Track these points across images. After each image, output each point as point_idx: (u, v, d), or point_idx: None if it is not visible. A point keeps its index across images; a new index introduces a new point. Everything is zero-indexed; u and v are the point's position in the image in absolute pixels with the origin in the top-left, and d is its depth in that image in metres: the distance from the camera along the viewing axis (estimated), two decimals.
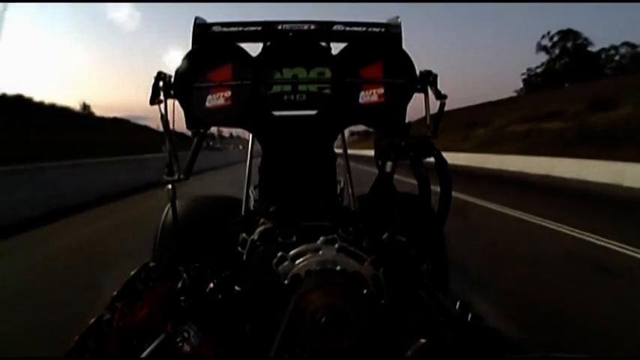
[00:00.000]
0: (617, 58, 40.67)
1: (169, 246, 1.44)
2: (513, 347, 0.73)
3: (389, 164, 0.87)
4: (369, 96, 1.10)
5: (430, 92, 1.15)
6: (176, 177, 1.03)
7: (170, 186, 1.03)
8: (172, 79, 1.06)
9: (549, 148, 16.92)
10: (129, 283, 0.84)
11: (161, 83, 1.05)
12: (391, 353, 0.75)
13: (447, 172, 0.83)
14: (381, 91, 1.10)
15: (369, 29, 1.20)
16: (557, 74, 39.25)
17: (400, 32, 1.19)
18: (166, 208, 1.56)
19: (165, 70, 1.07)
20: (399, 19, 1.21)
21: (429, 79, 1.14)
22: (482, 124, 27.61)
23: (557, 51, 42.02)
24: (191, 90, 1.06)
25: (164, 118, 1.04)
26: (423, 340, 0.73)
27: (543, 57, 43.03)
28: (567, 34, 40.65)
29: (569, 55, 40.93)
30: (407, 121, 1.16)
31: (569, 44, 41.02)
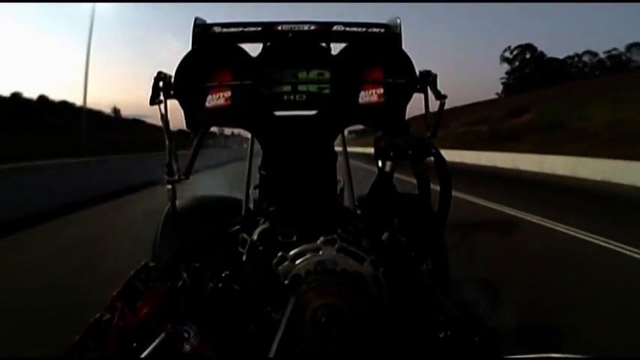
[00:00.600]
0: (580, 65, 48.07)
1: (169, 246, 1.44)
2: (513, 347, 0.73)
3: (388, 164, 0.87)
4: (369, 96, 1.10)
5: (430, 92, 1.15)
6: (176, 177, 1.03)
7: (170, 186, 1.03)
8: (172, 79, 1.06)
9: (469, 144, 22.01)
10: (129, 282, 0.84)
11: (161, 83, 1.05)
12: (391, 353, 0.75)
13: (447, 172, 0.83)
14: (381, 91, 1.10)
15: (369, 30, 1.20)
16: (530, 79, 44.86)
17: (400, 33, 1.19)
18: (166, 208, 1.56)
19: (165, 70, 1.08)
20: (398, 20, 1.22)
21: (428, 79, 1.14)
22: (442, 127, 32.84)
23: (517, 63, 48.97)
24: (191, 90, 1.06)
25: (164, 118, 1.04)
26: (423, 340, 0.73)
27: (507, 67, 50.55)
28: (525, 48, 47.45)
29: (528, 66, 47.65)
30: (406, 120, 1.16)
31: (527, 56, 47.88)
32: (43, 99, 28.73)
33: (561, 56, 48.29)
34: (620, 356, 1.81)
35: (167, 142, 1.04)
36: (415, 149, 0.82)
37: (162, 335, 0.71)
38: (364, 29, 1.19)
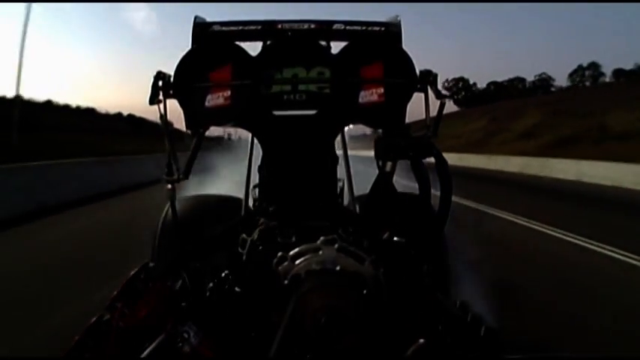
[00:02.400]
0: (511, 87, 60.71)
1: (169, 246, 1.44)
2: (513, 347, 0.73)
3: (389, 164, 0.87)
4: (369, 95, 1.09)
5: (430, 92, 1.15)
6: (175, 177, 1.03)
7: (170, 186, 1.03)
8: (172, 79, 1.06)
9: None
10: (129, 283, 0.84)
11: (160, 83, 1.04)
12: (391, 353, 0.75)
13: (448, 172, 0.82)
14: (381, 90, 1.09)
15: (369, 28, 1.19)
16: (483, 96, 57.23)
17: (400, 32, 1.19)
18: (166, 208, 1.55)
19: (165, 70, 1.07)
20: (399, 19, 1.21)
21: (428, 79, 1.13)
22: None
23: (454, 90, 61.62)
24: (191, 90, 1.06)
25: (164, 118, 1.04)
26: (422, 340, 0.73)
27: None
28: (458, 80, 61.92)
29: (461, 93, 62.31)
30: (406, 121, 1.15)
31: (460, 85, 61.82)
32: (131, 115, 40.31)
33: (500, 79, 62.79)
34: (620, 356, 1.81)
35: (167, 142, 1.03)
36: (415, 149, 0.81)
37: (163, 335, 0.71)
38: (364, 28, 1.19)
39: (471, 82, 63.01)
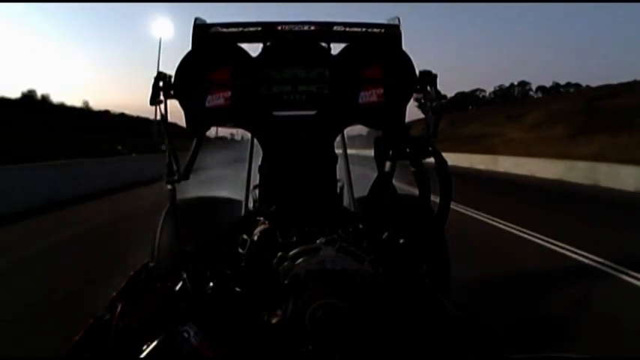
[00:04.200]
0: (475, 97, 70.60)
1: (169, 247, 1.44)
2: (513, 347, 0.73)
3: (388, 164, 0.87)
4: (369, 96, 1.09)
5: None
6: (176, 177, 1.03)
7: (170, 186, 1.03)
8: (172, 80, 1.06)
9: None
10: (129, 283, 0.84)
11: (161, 83, 1.05)
12: (391, 353, 0.75)
13: (447, 172, 0.83)
14: (381, 91, 1.09)
15: (369, 30, 1.20)
16: (452, 106, 65.58)
17: (400, 33, 1.20)
18: (166, 209, 1.56)
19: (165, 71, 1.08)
20: (398, 20, 1.22)
21: (428, 79, 1.14)
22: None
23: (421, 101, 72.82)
24: (191, 90, 1.06)
25: (164, 118, 1.05)
26: (423, 340, 0.73)
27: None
28: None
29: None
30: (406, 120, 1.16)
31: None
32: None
33: (467, 89, 71.56)
34: (620, 356, 1.81)
35: (166, 142, 1.04)
36: (415, 149, 0.82)
37: (163, 335, 0.71)
38: (364, 29, 1.19)
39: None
